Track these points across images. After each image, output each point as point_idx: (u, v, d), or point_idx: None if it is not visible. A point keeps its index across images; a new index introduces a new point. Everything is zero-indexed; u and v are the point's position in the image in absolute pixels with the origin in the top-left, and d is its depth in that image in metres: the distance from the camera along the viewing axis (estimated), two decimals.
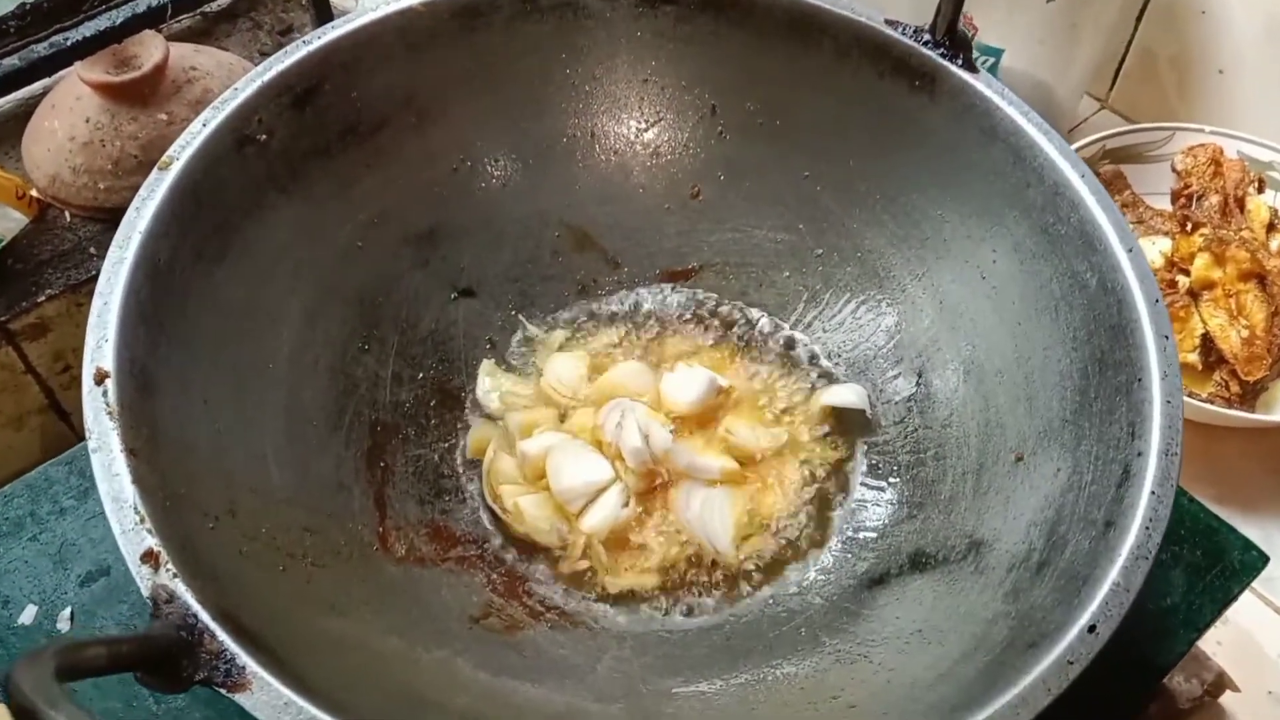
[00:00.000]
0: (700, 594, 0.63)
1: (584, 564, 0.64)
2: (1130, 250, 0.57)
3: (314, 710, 0.42)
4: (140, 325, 0.52)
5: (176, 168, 0.56)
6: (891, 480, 0.67)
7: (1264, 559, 0.68)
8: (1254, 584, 0.68)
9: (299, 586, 0.53)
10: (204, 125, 0.58)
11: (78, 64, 0.87)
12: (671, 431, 0.66)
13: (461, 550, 0.64)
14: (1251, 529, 0.71)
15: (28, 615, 0.64)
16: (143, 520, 0.45)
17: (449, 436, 0.69)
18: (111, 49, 0.88)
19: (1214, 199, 0.96)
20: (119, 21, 0.85)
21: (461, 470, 0.68)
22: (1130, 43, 1.10)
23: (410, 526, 0.63)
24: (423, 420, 0.68)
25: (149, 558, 0.45)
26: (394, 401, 0.67)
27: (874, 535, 0.65)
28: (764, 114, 0.72)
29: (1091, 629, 0.46)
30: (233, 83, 0.60)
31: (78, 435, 0.89)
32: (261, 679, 0.42)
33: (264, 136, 0.60)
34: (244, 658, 0.43)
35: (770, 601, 0.63)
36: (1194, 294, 0.91)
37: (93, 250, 0.88)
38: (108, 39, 0.86)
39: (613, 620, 0.62)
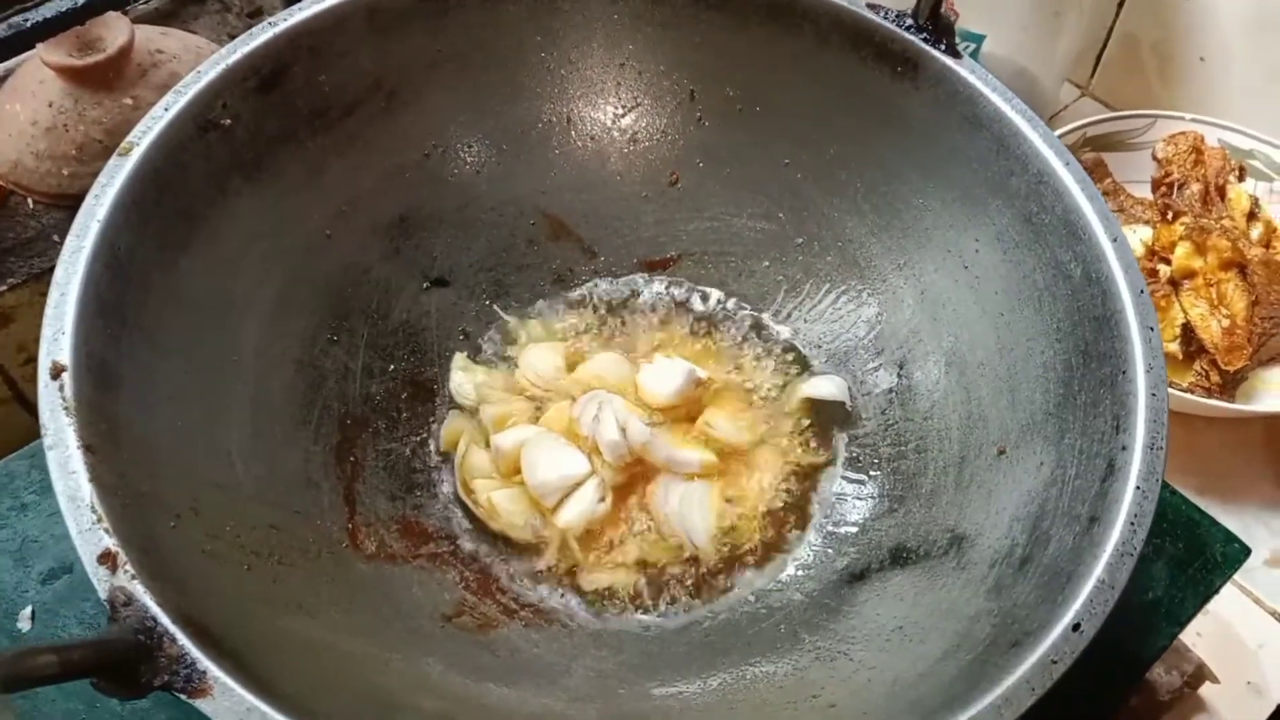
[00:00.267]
0: (678, 590, 0.62)
1: (559, 560, 0.63)
2: (1115, 240, 0.56)
3: (278, 716, 0.41)
4: (99, 317, 0.50)
5: (137, 154, 0.54)
6: (872, 473, 0.66)
7: (1245, 551, 0.68)
8: (1234, 575, 0.68)
9: (265, 586, 0.51)
10: (165, 110, 0.56)
11: (40, 46, 0.85)
12: (650, 424, 0.65)
13: (433, 547, 0.62)
14: (1231, 519, 0.71)
15: None
16: (100, 519, 0.44)
17: (421, 430, 0.67)
18: (75, 31, 0.85)
19: (1195, 187, 0.95)
20: (82, 2, 0.83)
21: (434, 465, 0.67)
22: (1112, 29, 1.09)
23: (381, 523, 0.61)
24: (394, 413, 0.67)
25: (106, 559, 0.43)
26: (364, 394, 0.66)
27: (854, 530, 0.64)
28: (744, 100, 0.71)
29: (1076, 627, 0.46)
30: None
31: None
32: (223, 684, 0.41)
33: (228, 122, 0.59)
34: (205, 662, 0.41)
35: (749, 598, 0.62)
36: (1175, 283, 0.90)
37: (56, 238, 0.86)
38: (71, 20, 0.83)
39: (588, 618, 0.61)
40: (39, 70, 0.88)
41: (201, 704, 0.41)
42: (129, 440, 0.49)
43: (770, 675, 0.56)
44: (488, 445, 0.66)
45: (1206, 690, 0.75)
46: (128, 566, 0.43)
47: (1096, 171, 0.98)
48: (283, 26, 0.61)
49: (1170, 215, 0.95)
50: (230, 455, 0.56)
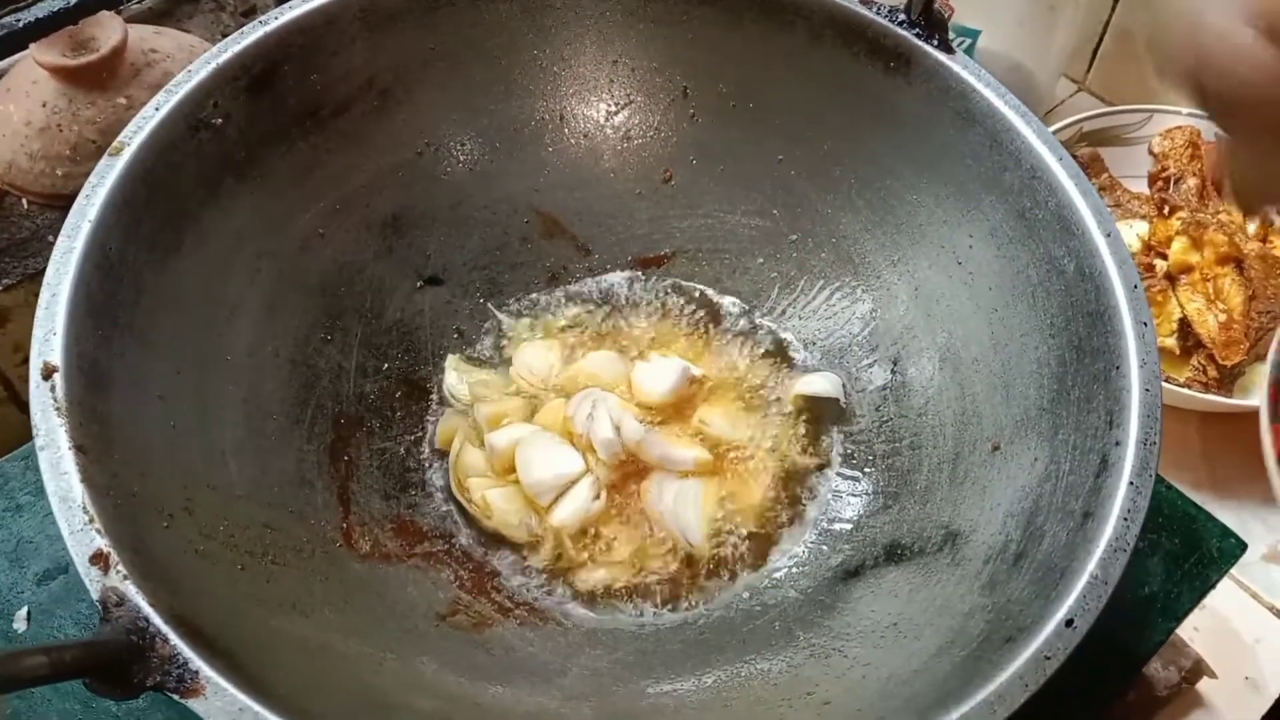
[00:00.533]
0: (673, 588, 0.62)
1: (554, 559, 0.63)
2: (1108, 235, 0.56)
3: (271, 716, 0.41)
4: (90, 318, 0.50)
5: (127, 154, 0.54)
6: (867, 470, 0.66)
7: (1242, 546, 0.68)
8: (1231, 570, 0.68)
9: (258, 586, 0.51)
10: (156, 109, 0.56)
11: (33, 46, 0.84)
12: (644, 422, 0.65)
13: (428, 546, 0.62)
14: (1228, 514, 0.71)
15: None
16: (92, 520, 0.44)
17: (415, 429, 0.67)
18: (68, 31, 0.85)
19: (1191, 182, 0.95)
20: (75, 2, 0.82)
21: (428, 464, 0.66)
22: (1108, 23, 1.09)
23: (375, 522, 0.61)
24: (388, 412, 0.67)
25: (98, 559, 0.43)
26: (358, 393, 0.66)
27: (849, 526, 0.64)
28: (736, 96, 0.70)
29: (1069, 623, 0.45)
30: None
31: None
32: (216, 684, 0.41)
33: (219, 121, 0.59)
34: (197, 662, 0.41)
35: (744, 595, 0.62)
36: (1171, 278, 0.90)
37: (51, 238, 0.86)
38: (64, 20, 0.83)
39: (583, 616, 0.61)
40: (32, 70, 0.87)
41: (194, 704, 0.41)
42: (121, 441, 0.49)
43: (765, 672, 0.56)
44: (482, 444, 0.66)
45: (1204, 685, 0.75)
46: (120, 567, 0.43)
47: (1093, 166, 0.98)
48: (274, 25, 0.61)
49: (1167, 210, 0.95)
50: (223, 455, 0.56)
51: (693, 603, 0.62)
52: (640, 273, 0.75)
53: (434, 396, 0.69)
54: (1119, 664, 0.64)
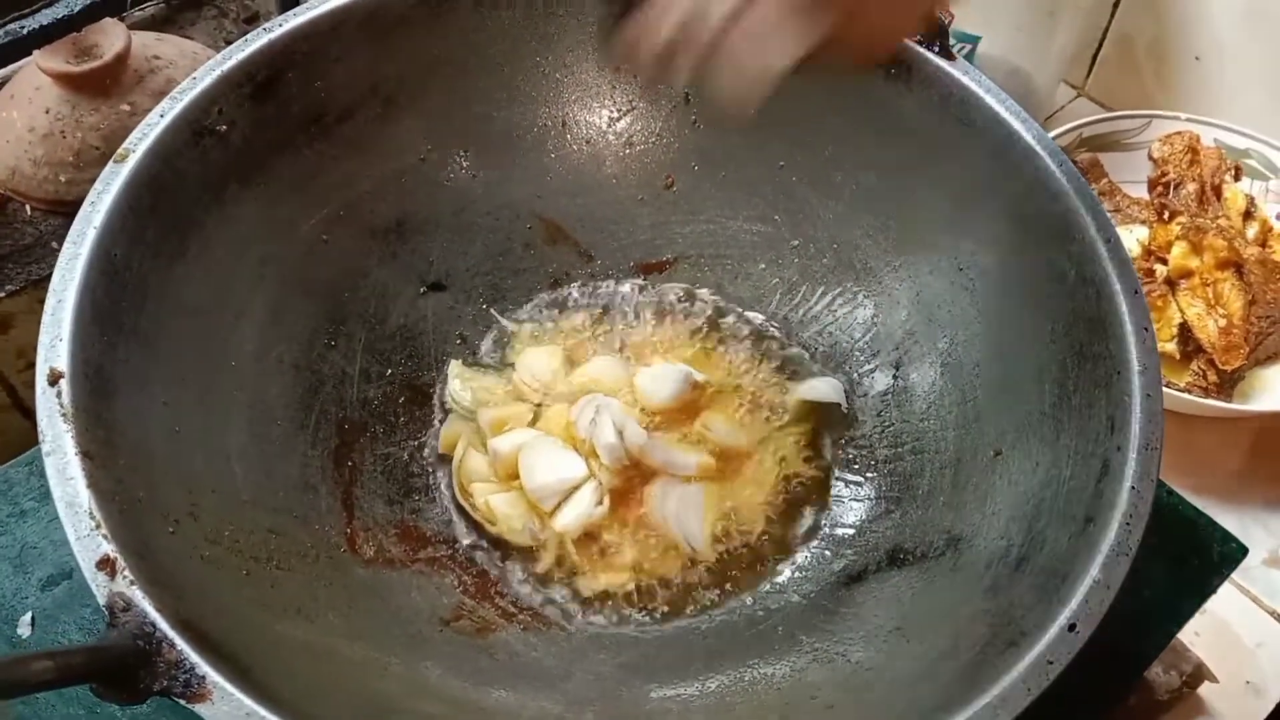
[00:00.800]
0: (676, 593, 0.62)
1: (557, 564, 0.63)
2: (1109, 241, 0.56)
3: None
4: (96, 324, 0.51)
5: (133, 161, 0.54)
6: (869, 475, 0.66)
7: (1243, 550, 0.68)
8: (1232, 575, 0.68)
9: (263, 591, 0.51)
10: (161, 116, 0.56)
11: (36, 53, 0.85)
12: (646, 428, 0.65)
13: (432, 551, 0.62)
14: (1229, 519, 0.71)
15: None
16: (98, 526, 0.44)
17: (418, 434, 0.68)
18: (71, 37, 0.85)
19: (1191, 187, 0.95)
20: (78, 9, 0.83)
21: (431, 469, 0.67)
22: (1107, 29, 1.09)
23: (379, 527, 0.62)
24: (391, 418, 0.67)
25: (105, 564, 0.43)
26: (362, 399, 0.66)
27: (852, 531, 0.64)
28: None
29: (1072, 627, 0.46)
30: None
31: None
32: (222, 689, 0.41)
33: (224, 128, 0.59)
34: (204, 667, 0.41)
35: (747, 600, 0.62)
36: (1171, 283, 0.90)
37: (54, 244, 0.86)
38: (67, 27, 0.83)
39: (587, 621, 0.61)
40: (36, 77, 0.88)
41: (200, 709, 0.41)
42: (126, 446, 0.49)
43: (769, 677, 0.56)
44: (485, 449, 0.66)
45: (1205, 690, 0.75)
46: (126, 572, 0.43)
47: (1093, 172, 0.98)
48: (278, 32, 0.61)
49: (1166, 215, 0.95)
50: (228, 460, 0.56)
51: (696, 608, 0.62)
52: (642, 278, 0.75)
53: (437, 402, 0.69)
54: (1120, 668, 0.64)
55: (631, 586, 0.62)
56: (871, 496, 0.65)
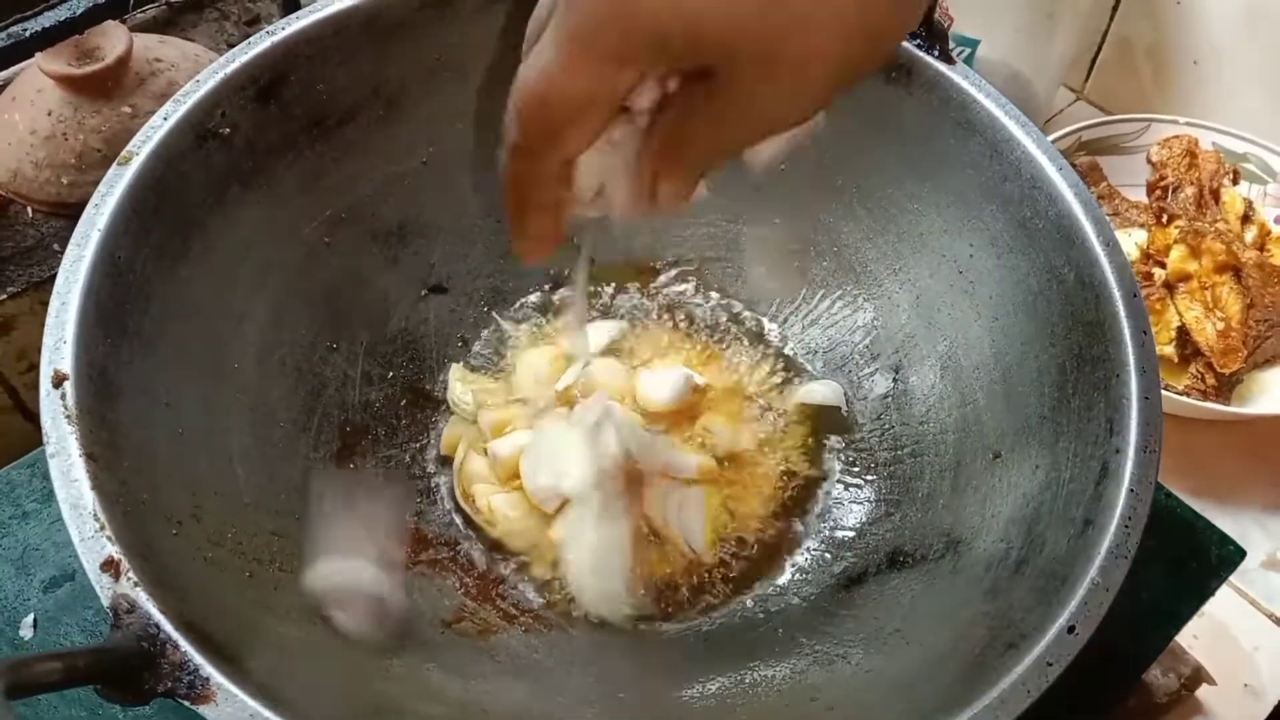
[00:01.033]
0: (676, 595, 0.63)
1: (557, 566, 0.63)
2: (1108, 244, 0.57)
3: None
4: (100, 326, 0.51)
5: (136, 163, 0.54)
6: (869, 478, 0.67)
7: (1240, 553, 0.68)
8: (1230, 577, 0.68)
9: (267, 593, 0.52)
10: (164, 119, 0.56)
11: (38, 55, 0.85)
12: (648, 430, 0.65)
13: (433, 553, 0.63)
14: (1227, 522, 0.71)
15: None
16: (102, 527, 0.44)
17: (420, 437, 0.68)
18: (73, 40, 0.86)
19: (1189, 191, 0.96)
20: (80, 11, 0.83)
21: (433, 471, 0.67)
22: (1106, 33, 1.10)
23: None
24: (393, 420, 0.67)
25: (109, 566, 0.43)
26: (363, 401, 0.66)
27: (852, 534, 0.64)
28: None
29: (1071, 629, 0.46)
30: (199, 75, 0.59)
31: (43, 437, 0.88)
32: (226, 690, 0.41)
33: (227, 130, 0.59)
34: (208, 668, 0.41)
35: (747, 602, 0.62)
36: (1170, 286, 0.91)
37: (56, 247, 0.86)
38: (69, 30, 0.83)
39: (588, 623, 0.61)
40: (38, 79, 0.88)
41: (205, 710, 0.41)
42: (130, 448, 0.49)
43: (769, 679, 0.56)
44: (486, 451, 0.66)
45: (1203, 692, 0.75)
46: (130, 574, 0.43)
47: (1092, 175, 0.99)
48: (281, 36, 0.61)
49: (1165, 218, 0.95)
50: (230, 462, 0.56)
51: (696, 609, 0.62)
52: (643, 281, 0.75)
53: (439, 404, 0.69)
54: (1119, 670, 0.64)
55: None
56: (871, 499, 0.66)
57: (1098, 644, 0.46)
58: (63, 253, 0.52)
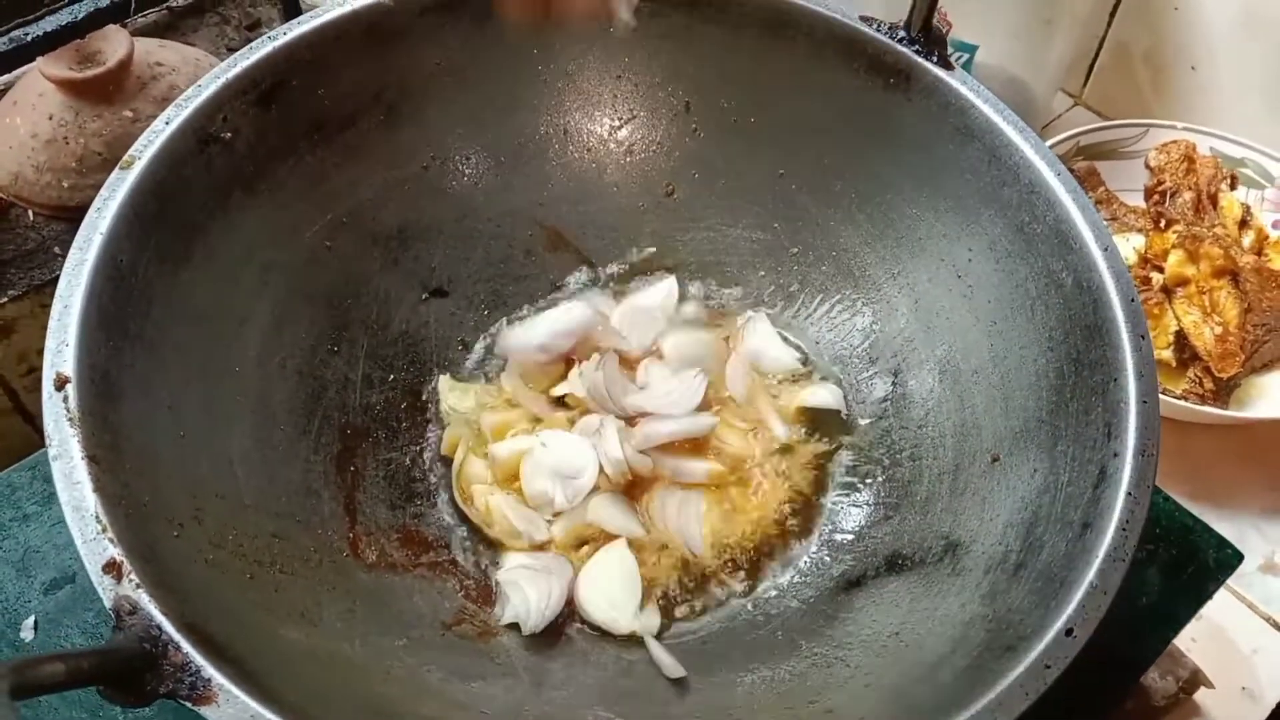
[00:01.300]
0: (676, 598, 0.63)
1: None
2: (1106, 249, 0.57)
3: None
4: (102, 329, 0.51)
5: (138, 167, 0.55)
6: (868, 481, 0.67)
7: (1238, 556, 0.68)
8: (1227, 580, 0.69)
9: (267, 595, 0.52)
10: (166, 124, 0.57)
11: (40, 59, 0.85)
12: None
13: (433, 555, 0.63)
14: (1225, 525, 0.71)
15: None
16: (105, 529, 0.44)
17: (420, 439, 0.68)
18: (75, 44, 0.86)
19: (1187, 195, 0.96)
20: (82, 16, 0.83)
21: (433, 473, 0.67)
22: (1104, 38, 1.10)
23: (381, 532, 0.62)
24: (393, 423, 0.67)
25: (111, 568, 0.43)
26: (364, 404, 0.66)
27: (851, 537, 0.65)
28: (738, 111, 0.71)
29: (1069, 632, 0.46)
30: (200, 79, 0.59)
31: (43, 439, 0.88)
32: (227, 691, 0.41)
33: (228, 135, 0.59)
34: (209, 670, 0.42)
35: (747, 606, 0.62)
36: (1168, 291, 0.91)
37: (57, 250, 0.87)
38: (70, 34, 0.84)
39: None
40: (39, 83, 0.88)
41: (206, 711, 0.41)
42: (132, 451, 0.50)
43: (769, 681, 0.56)
44: (486, 454, 0.66)
45: (1201, 695, 0.75)
46: (132, 576, 0.43)
47: (1090, 180, 0.99)
48: (282, 41, 0.61)
49: (1163, 223, 0.96)
50: (232, 465, 0.56)
51: (696, 612, 0.62)
52: (643, 285, 0.75)
53: (438, 407, 0.69)
54: (1117, 673, 0.64)
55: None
56: (870, 502, 0.66)
57: (1096, 647, 0.46)
58: (64, 256, 0.52)
